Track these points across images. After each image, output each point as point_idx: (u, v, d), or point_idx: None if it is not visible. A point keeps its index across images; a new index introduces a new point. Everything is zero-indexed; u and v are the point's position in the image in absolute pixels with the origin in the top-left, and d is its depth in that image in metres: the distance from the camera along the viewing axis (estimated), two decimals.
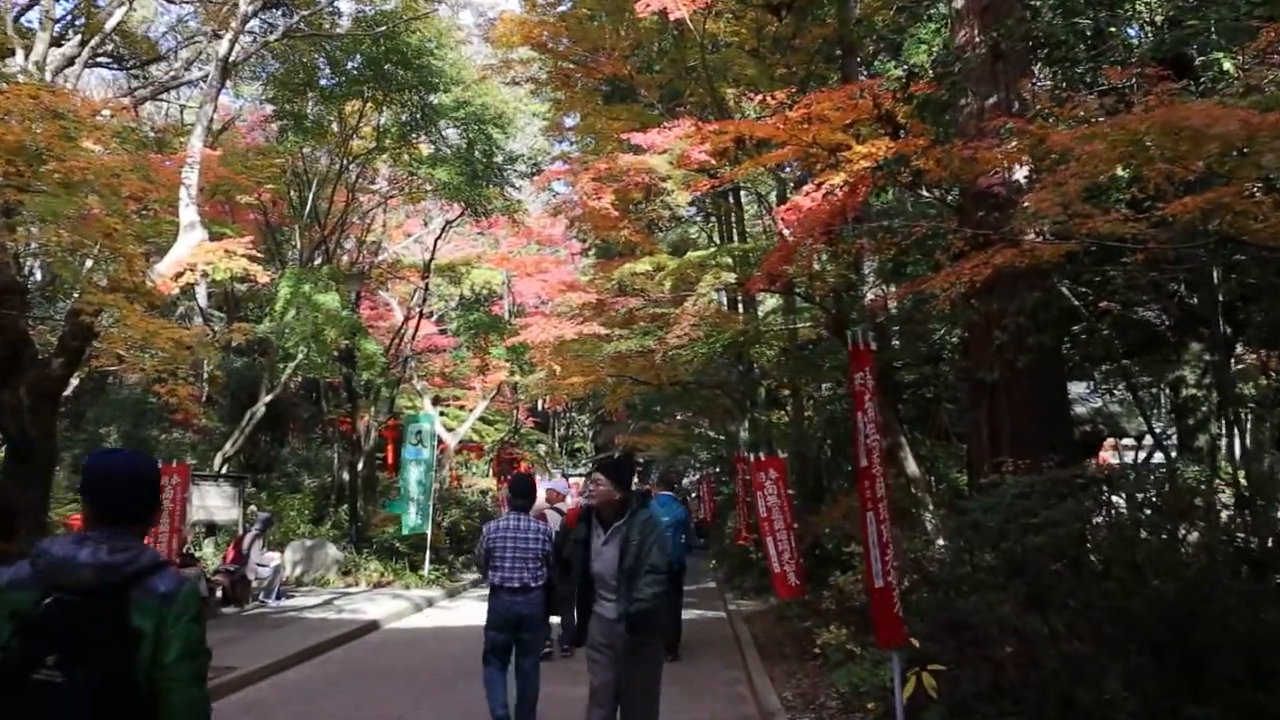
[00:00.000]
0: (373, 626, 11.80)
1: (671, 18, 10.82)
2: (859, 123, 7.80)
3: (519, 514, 6.37)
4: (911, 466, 10.28)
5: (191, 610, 2.19)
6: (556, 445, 42.11)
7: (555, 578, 6.16)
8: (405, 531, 16.02)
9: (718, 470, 26.88)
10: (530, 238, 28.07)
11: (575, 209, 14.81)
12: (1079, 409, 10.79)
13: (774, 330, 15.89)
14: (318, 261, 18.63)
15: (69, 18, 15.49)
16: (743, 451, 16.16)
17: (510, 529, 6.25)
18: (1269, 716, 4.58)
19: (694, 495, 30.54)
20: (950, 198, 9.83)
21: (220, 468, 16.83)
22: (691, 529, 22.93)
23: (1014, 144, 6.88)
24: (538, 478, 31.11)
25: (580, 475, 42.01)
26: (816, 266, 11.84)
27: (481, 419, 27.25)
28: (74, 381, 13.30)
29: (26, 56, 11.54)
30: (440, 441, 20.78)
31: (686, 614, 12.43)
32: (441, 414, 26.77)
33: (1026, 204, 6.47)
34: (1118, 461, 12.54)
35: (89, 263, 11.25)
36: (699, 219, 23.88)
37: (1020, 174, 8.14)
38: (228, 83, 15.27)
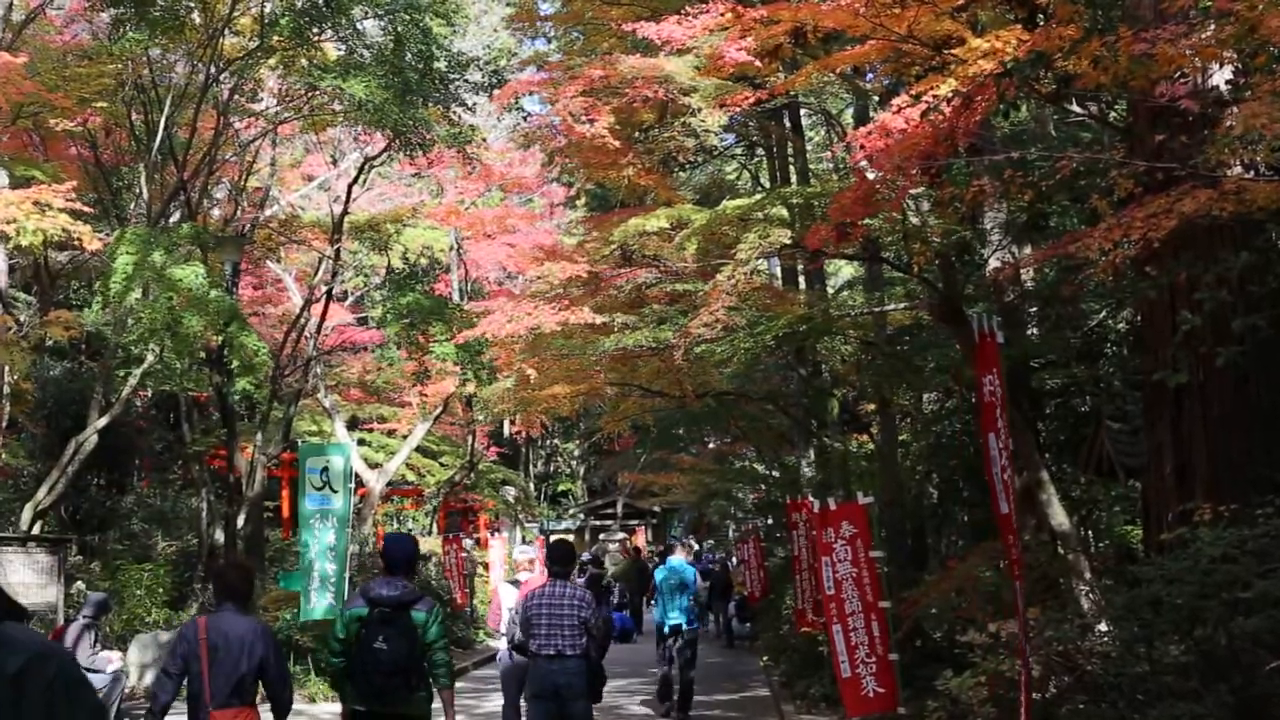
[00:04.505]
0: None
1: None
2: (975, 5, 7.76)
3: (557, 580, 8.56)
4: (1058, 515, 10.22)
5: (440, 616, 6.92)
6: (532, 488, 42.22)
7: (595, 649, 8.29)
8: (305, 619, 15.95)
9: (769, 523, 26.88)
10: (490, 181, 28.09)
11: (556, 137, 14.76)
12: None
13: (851, 315, 15.83)
14: (174, 218, 18.65)
15: None
16: (806, 495, 16.12)
17: (547, 595, 8.41)
18: None
19: (735, 561, 30.52)
20: (1114, 115, 9.78)
21: (30, 526, 16.84)
22: (712, 606, 23.01)
23: (1211, 32, 6.83)
24: (504, 535, 30.78)
25: (566, 531, 42.19)
26: (914, 219, 11.79)
27: (420, 449, 27.24)
28: None
29: None
30: (359, 484, 20.79)
31: None
32: (361, 443, 26.78)
33: (1230, 122, 6.42)
34: None
35: None
36: (738, 151, 23.90)
37: (1221, 78, 8.09)
38: None
